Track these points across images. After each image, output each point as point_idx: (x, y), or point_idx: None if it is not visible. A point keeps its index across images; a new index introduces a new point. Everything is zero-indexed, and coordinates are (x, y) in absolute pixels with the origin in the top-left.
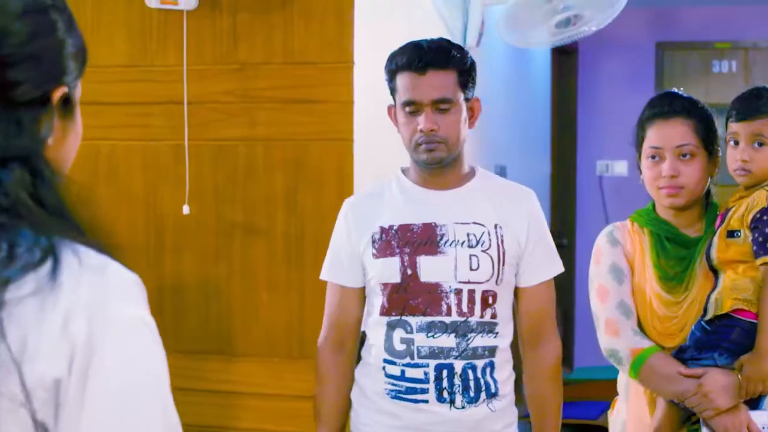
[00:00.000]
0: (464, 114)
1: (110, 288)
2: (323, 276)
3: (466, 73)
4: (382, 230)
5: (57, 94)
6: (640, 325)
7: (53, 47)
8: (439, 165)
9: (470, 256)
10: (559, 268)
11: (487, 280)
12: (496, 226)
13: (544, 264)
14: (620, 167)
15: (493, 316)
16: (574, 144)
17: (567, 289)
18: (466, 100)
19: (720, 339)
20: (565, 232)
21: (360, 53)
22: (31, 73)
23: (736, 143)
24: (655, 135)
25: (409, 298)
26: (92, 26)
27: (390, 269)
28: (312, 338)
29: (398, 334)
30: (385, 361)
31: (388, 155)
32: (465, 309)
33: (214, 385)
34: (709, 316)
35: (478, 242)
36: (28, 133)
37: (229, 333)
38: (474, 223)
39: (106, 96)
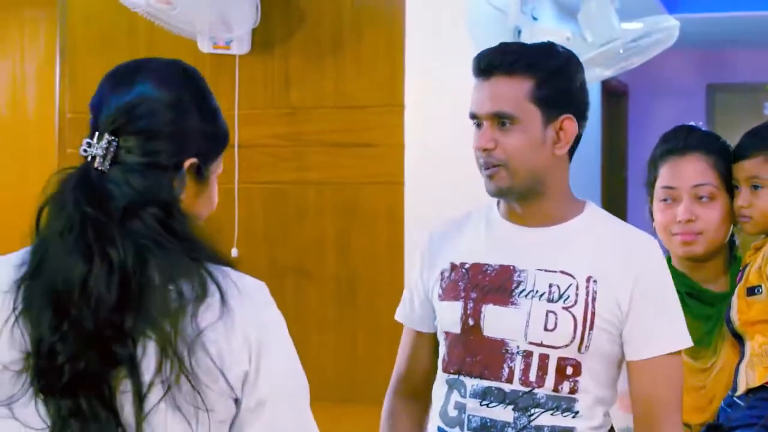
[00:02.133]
0: (539, 134)
1: (258, 300)
2: (396, 316)
3: (549, 82)
4: (453, 267)
5: (187, 164)
6: None
7: (187, 131)
8: (504, 196)
9: (547, 312)
10: (681, 341)
11: (566, 345)
12: (588, 279)
13: (657, 334)
14: None
15: (573, 390)
16: (625, 186)
17: None
18: (549, 117)
19: (756, 416)
20: None
21: (411, 96)
22: (169, 146)
23: (736, 187)
24: (668, 174)
25: (467, 353)
26: None
27: (451, 316)
28: (364, 381)
29: (454, 396)
30: (439, 429)
31: (440, 198)
32: (532, 377)
33: None
34: (740, 391)
35: (560, 296)
36: (164, 188)
37: None
38: (561, 272)
39: None
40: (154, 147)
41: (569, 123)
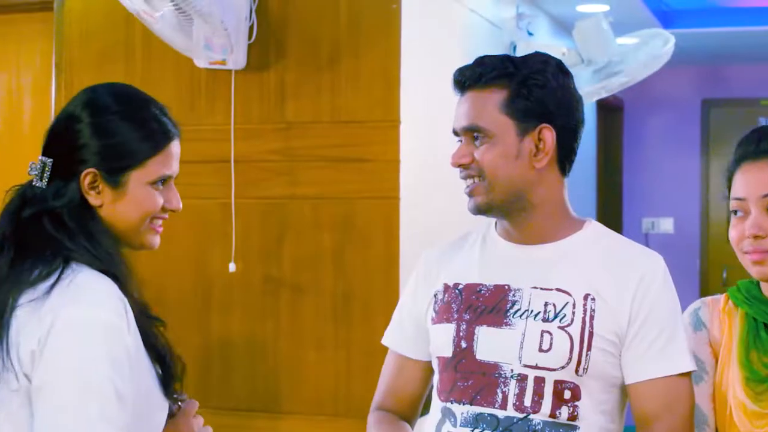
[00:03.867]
0: (514, 147)
1: (71, 295)
2: (383, 340)
3: (523, 92)
4: (446, 289)
5: (83, 175)
6: None
7: (77, 146)
8: (485, 213)
9: (542, 332)
10: (683, 364)
11: (562, 367)
12: (586, 297)
13: (659, 355)
14: (666, 224)
15: (573, 417)
16: (620, 201)
17: None
18: (525, 128)
19: None
20: None
21: (406, 112)
22: (62, 161)
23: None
24: (739, 183)
25: (458, 378)
26: (141, 85)
27: (444, 339)
28: (359, 396)
29: (445, 427)
30: None
31: (435, 213)
32: (527, 402)
33: None
34: None
35: (556, 315)
36: (58, 197)
37: (276, 391)
38: (557, 290)
39: None
40: (53, 162)
41: (547, 134)
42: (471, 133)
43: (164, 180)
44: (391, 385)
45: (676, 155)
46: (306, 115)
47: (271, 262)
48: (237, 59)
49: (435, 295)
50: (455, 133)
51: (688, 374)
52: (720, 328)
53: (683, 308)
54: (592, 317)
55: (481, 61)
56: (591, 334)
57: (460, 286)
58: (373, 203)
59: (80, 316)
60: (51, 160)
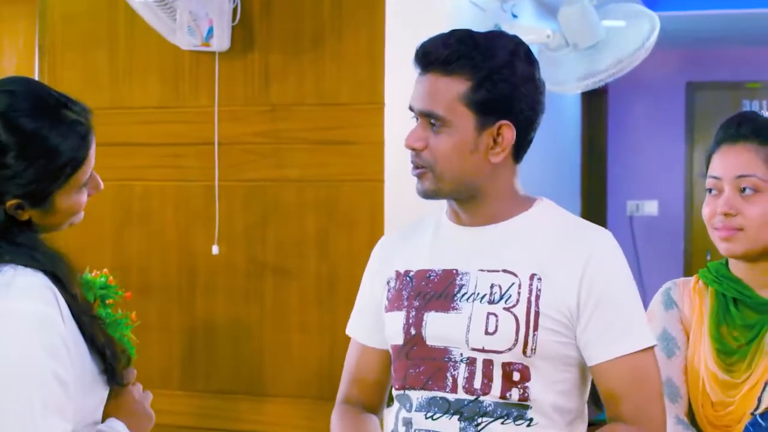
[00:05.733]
0: (470, 140)
1: (11, 293)
2: (347, 330)
3: (487, 85)
4: (398, 276)
5: (8, 204)
6: (691, 411)
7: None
8: (433, 198)
9: (488, 314)
10: (642, 341)
11: (509, 349)
12: (532, 277)
13: (619, 333)
14: (650, 207)
15: (524, 398)
16: (605, 184)
17: None
18: (484, 123)
19: None
20: None
21: (391, 95)
22: None
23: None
24: (716, 162)
25: (410, 365)
26: (125, 68)
27: (395, 327)
28: None
29: (402, 413)
30: None
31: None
32: (477, 385)
33: (245, 426)
34: (761, 409)
35: (502, 297)
36: None
37: (261, 374)
38: (504, 271)
39: (138, 137)
40: None
41: (507, 130)
42: (428, 117)
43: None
44: (354, 375)
45: (661, 138)
46: (290, 97)
47: (255, 245)
48: (221, 41)
49: (388, 283)
50: (411, 109)
51: (650, 349)
52: (690, 306)
53: None
54: (537, 297)
55: (447, 41)
56: (537, 313)
57: (411, 273)
58: (358, 186)
59: (9, 309)
60: None
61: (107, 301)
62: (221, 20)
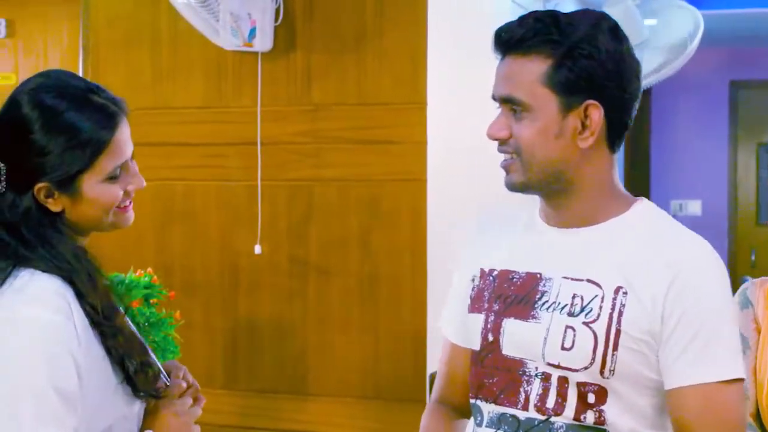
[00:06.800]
0: (555, 124)
1: (13, 296)
2: (440, 323)
3: (568, 62)
4: (482, 274)
5: (36, 188)
6: (758, 414)
7: (26, 159)
8: (521, 191)
9: (566, 327)
10: (725, 370)
11: (585, 368)
12: (617, 291)
13: (696, 358)
14: (694, 207)
15: (600, 421)
16: (648, 183)
17: None
18: (568, 104)
19: None
20: None
21: (433, 94)
22: (13, 170)
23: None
24: None
25: (484, 374)
26: (168, 69)
27: (474, 331)
28: (385, 378)
29: (473, 426)
30: None
31: (462, 195)
32: (550, 404)
33: (287, 424)
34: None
35: (582, 310)
36: (18, 208)
37: (303, 373)
38: (588, 280)
39: (181, 137)
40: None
41: (594, 111)
42: (509, 104)
43: (121, 167)
44: (445, 373)
45: (704, 137)
46: (332, 97)
47: (297, 245)
48: (263, 42)
49: (473, 280)
50: (494, 98)
51: (735, 381)
52: (764, 306)
53: None
54: (620, 313)
55: (524, 21)
56: (618, 332)
57: (495, 272)
58: (400, 185)
59: (15, 315)
60: (4, 166)
61: (151, 301)
62: (264, 20)
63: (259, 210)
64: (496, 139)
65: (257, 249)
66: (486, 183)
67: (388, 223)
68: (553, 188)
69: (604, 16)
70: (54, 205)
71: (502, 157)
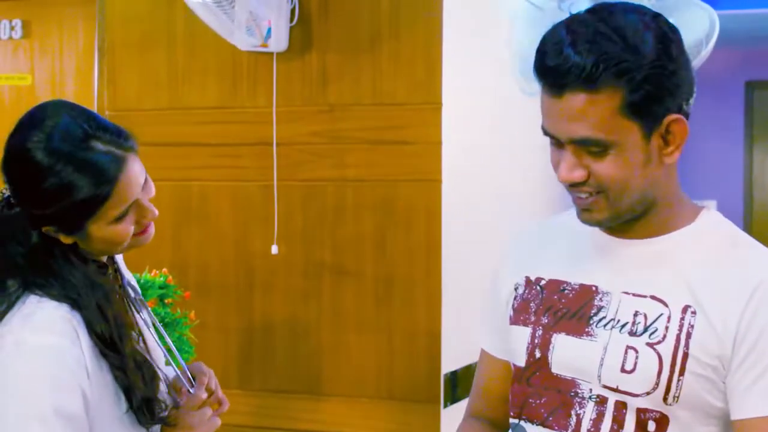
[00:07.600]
0: (641, 152)
1: (21, 321)
2: (479, 334)
3: (644, 84)
4: (527, 283)
5: (44, 229)
6: None
7: (36, 205)
8: (604, 226)
9: (627, 348)
10: None
11: (647, 393)
12: (685, 310)
13: None
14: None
15: None
16: None
17: None
18: (651, 126)
19: None
20: None
21: (448, 94)
22: (22, 207)
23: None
24: None
25: (530, 393)
26: (183, 69)
27: (518, 345)
28: (400, 379)
29: None
30: None
31: (477, 195)
32: (605, 430)
33: (302, 425)
34: None
35: (646, 329)
36: (29, 238)
37: (318, 373)
38: (652, 297)
39: (197, 137)
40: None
41: (677, 125)
42: (584, 146)
43: (129, 205)
44: (481, 386)
45: (720, 138)
46: (348, 97)
47: (313, 245)
48: (279, 42)
49: (516, 288)
50: (546, 133)
51: None
52: None
53: None
54: (689, 335)
55: (579, 50)
56: (685, 355)
57: (543, 282)
58: (415, 186)
59: (21, 341)
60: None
61: (166, 301)
62: (279, 21)
63: (275, 210)
64: (572, 183)
65: (274, 249)
66: (501, 183)
67: (403, 224)
68: (638, 213)
69: (656, 15)
70: (65, 239)
71: (580, 195)
